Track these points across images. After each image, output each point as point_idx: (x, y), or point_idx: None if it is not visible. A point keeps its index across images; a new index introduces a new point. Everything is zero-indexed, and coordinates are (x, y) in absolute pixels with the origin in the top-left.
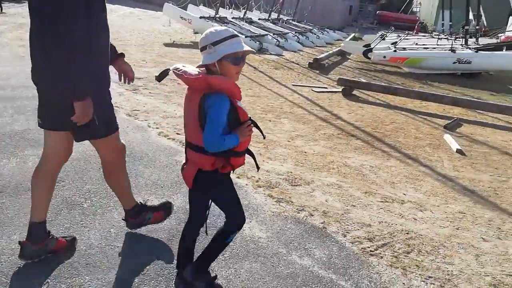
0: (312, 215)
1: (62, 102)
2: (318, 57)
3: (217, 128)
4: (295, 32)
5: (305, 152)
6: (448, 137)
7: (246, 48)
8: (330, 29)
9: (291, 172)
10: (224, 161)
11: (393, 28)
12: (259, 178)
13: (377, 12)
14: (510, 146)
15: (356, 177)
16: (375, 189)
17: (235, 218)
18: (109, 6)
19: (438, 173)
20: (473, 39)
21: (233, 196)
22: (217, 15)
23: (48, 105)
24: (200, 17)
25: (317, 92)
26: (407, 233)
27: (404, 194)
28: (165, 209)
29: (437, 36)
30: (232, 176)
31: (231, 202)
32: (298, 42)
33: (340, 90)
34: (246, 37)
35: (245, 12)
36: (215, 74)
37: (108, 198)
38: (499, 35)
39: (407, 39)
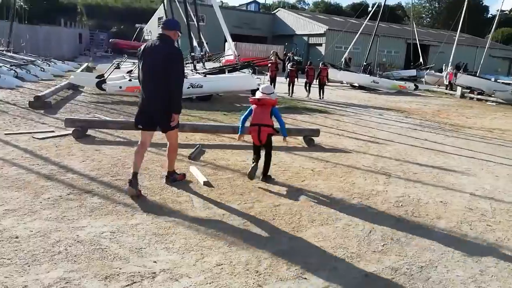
0: None
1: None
2: (41, 93)
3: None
4: (11, 66)
5: (17, 237)
6: (194, 170)
7: None
8: (58, 60)
9: None
10: (274, 130)
11: (126, 56)
12: None
13: (110, 40)
14: (246, 165)
15: (92, 257)
16: (118, 267)
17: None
18: None
19: (190, 218)
20: (201, 64)
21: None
22: None
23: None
24: None
25: (40, 139)
26: None
27: (155, 262)
28: (183, 175)
29: None
30: None
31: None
32: (16, 77)
33: (71, 132)
34: None
35: None
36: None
37: None
38: (221, 59)
39: None
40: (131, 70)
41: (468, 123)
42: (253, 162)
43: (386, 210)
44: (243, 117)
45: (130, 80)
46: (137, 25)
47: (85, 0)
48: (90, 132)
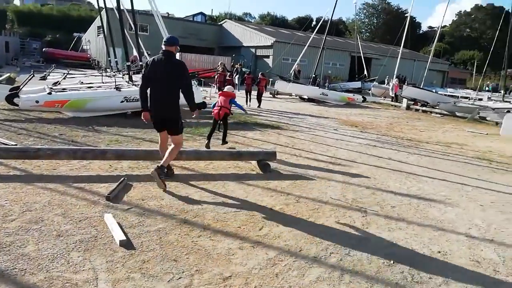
0: None
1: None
2: None
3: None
4: None
5: None
6: (109, 219)
7: None
8: None
9: None
10: (230, 110)
11: (54, 65)
12: None
13: (44, 49)
14: (186, 207)
15: None
16: None
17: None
18: None
19: None
20: (139, 76)
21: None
22: None
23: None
24: None
25: None
26: None
27: None
28: (173, 173)
29: (101, 74)
30: None
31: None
32: None
33: None
34: None
35: None
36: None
37: None
38: None
39: (73, 77)
40: (58, 82)
41: (424, 137)
42: (207, 139)
43: (376, 273)
44: (212, 104)
45: (49, 93)
46: (75, 34)
47: (16, 6)
48: None
